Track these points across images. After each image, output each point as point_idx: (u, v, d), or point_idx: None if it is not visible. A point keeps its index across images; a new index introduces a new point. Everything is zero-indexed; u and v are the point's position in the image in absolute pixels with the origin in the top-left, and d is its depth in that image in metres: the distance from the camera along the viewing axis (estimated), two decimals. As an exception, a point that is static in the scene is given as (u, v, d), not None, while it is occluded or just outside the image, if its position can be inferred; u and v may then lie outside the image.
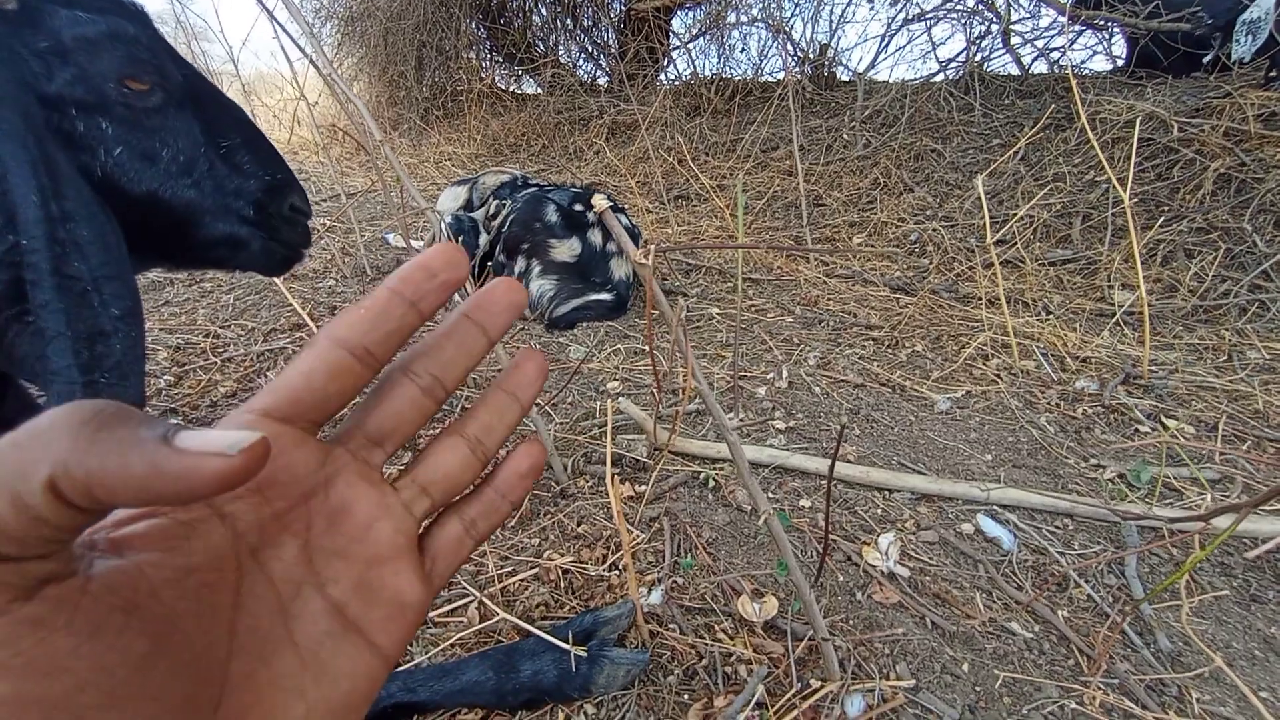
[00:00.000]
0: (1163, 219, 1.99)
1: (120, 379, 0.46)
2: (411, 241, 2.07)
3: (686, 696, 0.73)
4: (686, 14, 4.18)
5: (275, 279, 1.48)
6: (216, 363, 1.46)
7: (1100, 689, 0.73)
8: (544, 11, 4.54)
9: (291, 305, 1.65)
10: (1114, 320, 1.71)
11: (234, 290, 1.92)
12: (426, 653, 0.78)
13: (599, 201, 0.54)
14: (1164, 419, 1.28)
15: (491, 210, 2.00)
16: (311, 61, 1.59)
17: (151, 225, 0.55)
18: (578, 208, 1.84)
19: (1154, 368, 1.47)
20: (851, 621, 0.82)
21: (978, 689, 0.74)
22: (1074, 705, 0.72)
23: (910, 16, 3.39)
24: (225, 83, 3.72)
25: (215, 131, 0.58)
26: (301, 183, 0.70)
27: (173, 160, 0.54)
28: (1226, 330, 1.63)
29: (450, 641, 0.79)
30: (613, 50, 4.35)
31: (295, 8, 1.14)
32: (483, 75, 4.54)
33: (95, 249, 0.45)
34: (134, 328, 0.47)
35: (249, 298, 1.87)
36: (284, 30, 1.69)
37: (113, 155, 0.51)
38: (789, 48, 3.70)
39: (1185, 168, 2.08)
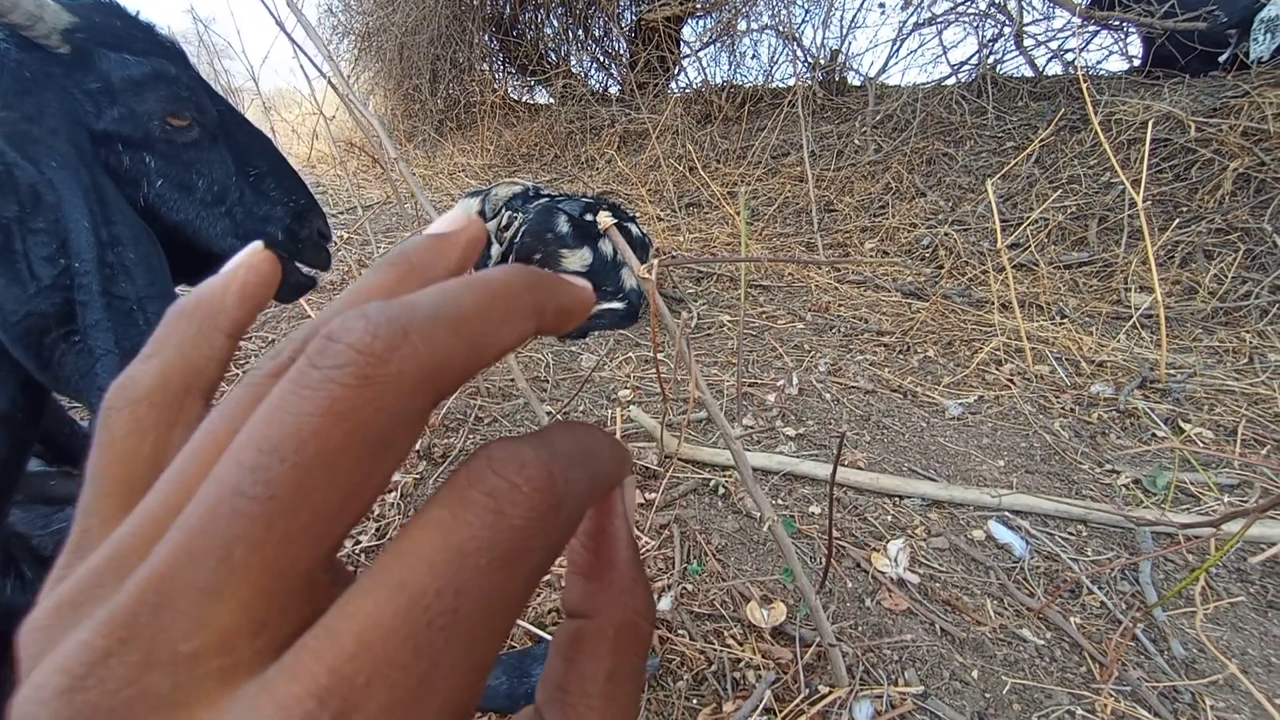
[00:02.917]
0: (1180, 220, 1.97)
1: None
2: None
3: (695, 702, 0.74)
4: (697, 22, 4.21)
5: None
6: (238, 374, 1.50)
7: (1112, 696, 0.73)
8: (556, 23, 4.60)
9: (311, 318, 1.69)
10: (1131, 323, 1.69)
11: (257, 303, 1.98)
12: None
13: (604, 219, 0.56)
14: (1181, 423, 1.27)
15: (504, 221, 2.04)
16: (329, 82, 1.63)
17: (188, 249, 0.59)
18: (589, 218, 1.87)
19: (1172, 371, 1.45)
20: (860, 627, 0.83)
21: (987, 695, 0.74)
22: (1083, 713, 0.72)
23: (921, 20, 3.38)
24: (246, 99, 3.83)
25: (244, 160, 0.62)
26: (319, 198, 0.73)
27: (208, 190, 0.58)
28: (1247, 332, 1.61)
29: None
30: (624, 60, 4.40)
31: (312, 28, 1.19)
32: (496, 87, 4.61)
33: (141, 271, 0.48)
34: None
35: (269, 310, 1.92)
36: (302, 51, 1.74)
37: (155, 186, 0.55)
38: (799, 54, 3.71)
39: (1203, 168, 2.06)
